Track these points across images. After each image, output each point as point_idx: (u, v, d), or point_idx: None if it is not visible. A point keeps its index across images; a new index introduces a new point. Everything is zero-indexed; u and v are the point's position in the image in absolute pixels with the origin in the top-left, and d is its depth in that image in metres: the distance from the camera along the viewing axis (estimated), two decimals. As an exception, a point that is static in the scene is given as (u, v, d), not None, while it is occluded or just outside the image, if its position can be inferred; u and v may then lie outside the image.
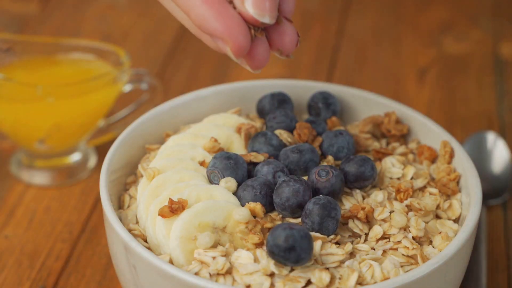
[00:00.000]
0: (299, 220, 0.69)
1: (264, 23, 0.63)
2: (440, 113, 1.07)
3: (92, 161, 0.97)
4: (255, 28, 0.64)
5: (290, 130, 0.77)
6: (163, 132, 0.81)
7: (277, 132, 0.76)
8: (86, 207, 0.91)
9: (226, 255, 0.66)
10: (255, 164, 0.73)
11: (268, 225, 0.68)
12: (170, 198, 0.68)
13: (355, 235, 0.69)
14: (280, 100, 0.80)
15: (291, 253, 0.62)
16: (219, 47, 0.64)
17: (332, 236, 0.67)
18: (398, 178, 0.74)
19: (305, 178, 0.72)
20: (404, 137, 0.80)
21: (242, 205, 0.69)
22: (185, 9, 0.63)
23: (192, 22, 0.64)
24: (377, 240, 0.68)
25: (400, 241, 0.68)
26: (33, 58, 0.96)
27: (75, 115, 0.92)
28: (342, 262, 0.66)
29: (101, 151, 0.98)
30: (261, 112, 0.81)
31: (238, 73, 1.14)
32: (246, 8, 0.63)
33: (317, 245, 0.65)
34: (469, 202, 0.71)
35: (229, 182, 0.70)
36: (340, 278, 0.64)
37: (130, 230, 0.70)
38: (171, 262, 0.67)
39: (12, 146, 0.99)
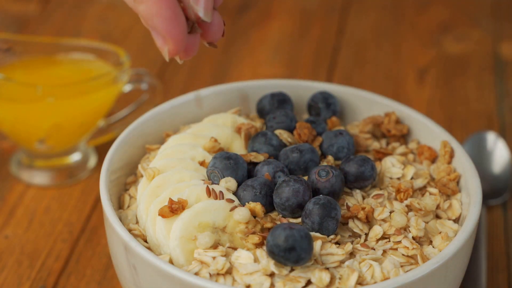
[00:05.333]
0: (299, 220, 0.69)
1: (204, 21, 0.65)
2: (440, 113, 1.07)
3: (92, 161, 0.97)
4: (193, 25, 0.66)
5: (290, 130, 0.77)
6: (163, 132, 0.81)
7: (277, 132, 0.76)
8: (86, 207, 0.91)
9: (226, 255, 0.66)
10: (255, 164, 0.73)
11: (268, 225, 0.68)
12: (170, 198, 0.68)
13: (355, 235, 0.69)
14: (280, 100, 0.80)
15: (291, 253, 0.62)
16: (155, 39, 0.64)
17: (332, 236, 0.67)
18: (398, 178, 0.74)
19: (305, 178, 0.72)
20: (404, 137, 0.80)
21: (242, 205, 0.69)
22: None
23: (138, 12, 0.64)
24: (377, 240, 0.68)
25: (400, 241, 0.68)
26: (33, 58, 0.96)
27: (75, 115, 0.92)
28: (342, 262, 0.66)
29: (101, 151, 0.98)
30: (261, 112, 0.81)
31: (238, 73, 1.14)
32: (197, 9, 0.64)
33: (317, 245, 0.65)
34: (469, 202, 0.71)
35: (229, 182, 0.70)
36: (340, 278, 0.64)
37: (130, 230, 0.70)
38: (171, 262, 0.67)
39: (12, 146, 0.99)
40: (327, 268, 0.65)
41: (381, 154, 0.77)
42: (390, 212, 0.70)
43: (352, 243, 0.68)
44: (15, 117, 0.92)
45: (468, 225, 0.68)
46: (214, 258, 0.65)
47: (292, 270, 0.64)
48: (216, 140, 0.75)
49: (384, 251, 0.68)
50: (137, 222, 0.72)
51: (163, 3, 0.62)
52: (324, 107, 0.80)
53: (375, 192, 0.73)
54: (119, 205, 0.75)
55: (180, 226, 0.67)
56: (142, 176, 0.75)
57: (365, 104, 0.83)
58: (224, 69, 1.15)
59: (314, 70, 1.15)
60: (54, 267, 0.84)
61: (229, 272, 0.65)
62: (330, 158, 0.75)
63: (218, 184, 0.71)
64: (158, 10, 0.62)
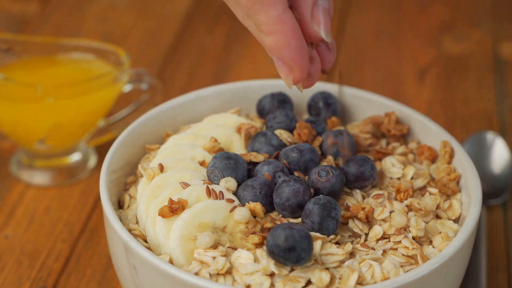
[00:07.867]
0: (299, 220, 0.69)
1: (326, 41, 0.66)
2: (440, 113, 1.07)
3: (92, 161, 0.97)
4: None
5: (290, 130, 0.77)
6: (163, 132, 0.81)
7: (277, 132, 0.76)
8: (86, 207, 0.91)
9: (226, 255, 0.66)
10: (255, 164, 0.73)
11: (268, 225, 0.68)
12: (170, 198, 0.68)
13: (355, 235, 0.69)
14: (280, 100, 0.80)
15: (291, 253, 0.62)
16: (280, 68, 0.66)
17: (332, 236, 0.67)
18: (398, 178, 0.74)
19: (305, 178, 0.72)
20: (404, 137, 0.80)
21: (242, 205, 0.69)
22: (266, 31, 0.64)
23: (264, 43, 0.65)
24: (377, 240, 0.68)
25: (400, 241, 0.68)
26: (33, 58, 0.96)
27: (75, 115, 0.92)
28: (342, 262, 0.66)
29: (101, 151, 0.98)
30: (261, 112, 0.81)
31: (238, 73, 1.14)
32: (319, 31, 0.65)
33: (317, 245, 0.65)
34: (469, 202, 0.71)
35: (229, 182, 0.70)
36: (340, 278, 0.64)
37: (130, 230, 0.70)
38: (171, 262, 0.67)
39: (12, 146, 0.99)
40: (327, 268, 0.65)
41: (381, 154, 0.77)
42: (390, 212, 0.70)
43: (352, 243, 0.68)
44: (15, 117, 0.92)
45: (468, 225, 0.68)
46: (214, 258, 0.65)
47: (292, 270, 0.64)
48: (216, 140, 0.75)
49: (384, 251, 0.68)
50: (137, 222, 0.72)
51: (291, 35, 0.63)
52: (324, 107, 0.80)
53: (375, 192, 0.73)
54: (119, 205, 0.75)
55: (180, 226, 0.67)
56: (142, 176, 0.75)
57: (365, 104, 0.83)
58: (224, 69, 1.15)
59: (314, 70, 1.15)
60: (54, 267, 0.84)
61: (229, 272, 0.65)
62: (330, 158, 0.75)
63: (218, 184, 0.71)
64: (286, 41, 0.63)
